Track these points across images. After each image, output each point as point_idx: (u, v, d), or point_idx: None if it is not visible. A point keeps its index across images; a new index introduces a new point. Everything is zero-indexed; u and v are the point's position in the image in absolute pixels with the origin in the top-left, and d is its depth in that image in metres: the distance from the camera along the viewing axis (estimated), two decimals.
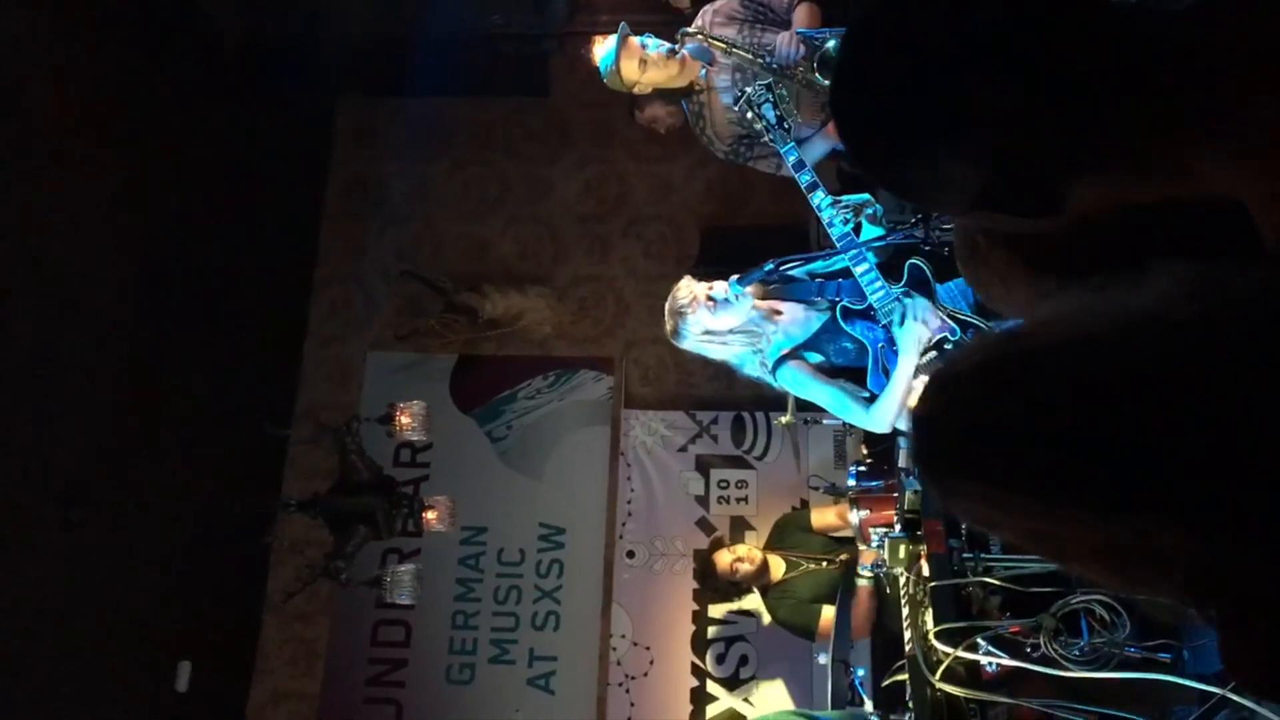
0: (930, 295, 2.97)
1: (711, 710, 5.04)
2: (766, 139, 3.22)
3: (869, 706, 3.65)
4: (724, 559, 4.45)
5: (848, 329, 3.03)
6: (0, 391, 3.65)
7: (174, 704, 4.62)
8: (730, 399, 5.51)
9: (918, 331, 2.90)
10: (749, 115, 3.20)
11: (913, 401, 2.90)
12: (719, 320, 3.05)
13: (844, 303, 3.03)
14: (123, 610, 4.24)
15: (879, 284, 2.94)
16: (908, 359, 2.92)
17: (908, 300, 2.93)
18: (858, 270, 2.96)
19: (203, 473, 4.72)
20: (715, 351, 3.17)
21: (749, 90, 3.20)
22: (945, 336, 2.93)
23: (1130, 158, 0.89)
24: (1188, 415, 0.75)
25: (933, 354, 2.93)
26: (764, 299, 3.09)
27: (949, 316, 2.94)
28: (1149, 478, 0.76)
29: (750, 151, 3.67)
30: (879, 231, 2.97)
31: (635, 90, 3.63)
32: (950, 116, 0.91)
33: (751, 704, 4.89)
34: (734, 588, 4.51)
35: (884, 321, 2.96)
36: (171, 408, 4.55)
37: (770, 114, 3.15)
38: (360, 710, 5.18)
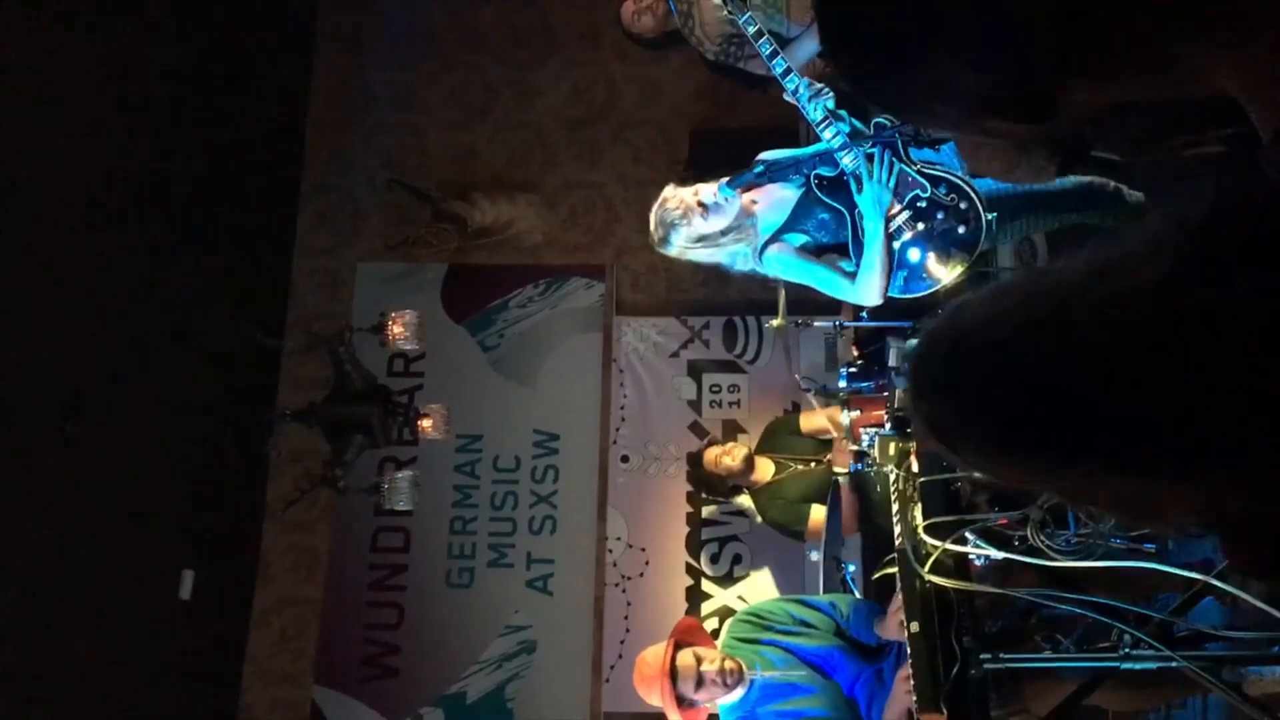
0: (898, 151, 2.93)
1: (706, 607, 5.16)
2: (726, 13, 3.11)
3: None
4: (710, 453, 4.55)
5: (823, 198, 3.00)
6: None
7: (178, 612, 4.72)
8: (721, 304, 5.52)
9: (875, 191, 2.88)
10: None
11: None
12: (711, 224, 3.03)
13: (816, 171, 3.01)
14: (123, 521, 4.30)
15: (846, 145, 2.91)
16: (874, 225, 2.90)
17: (868, 166, 2.89)
18: (825, 135, 2.92)
19: (197, 385, 4.74)
20: (704, 256, 3.14)
21: None
22: (917, 194, 2.91)
23: (1133, 55, 0.87)
24: (1198, 377, 0.75)
25: (907, 213, 2.91)
26: (745, 192, 3.06)
27: (920, 172, 2.91)
28: (1164, 445, 0.76)
29: (740, 51, 3.60)
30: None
31: None
32: (949, 17, 0.88)
33: (745, 600, 5.01)
34: (722, 483, 4.59)
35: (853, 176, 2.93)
36: (164, 321, 4.55)
37: None
38: (363, 613, 5.29)
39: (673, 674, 3.16)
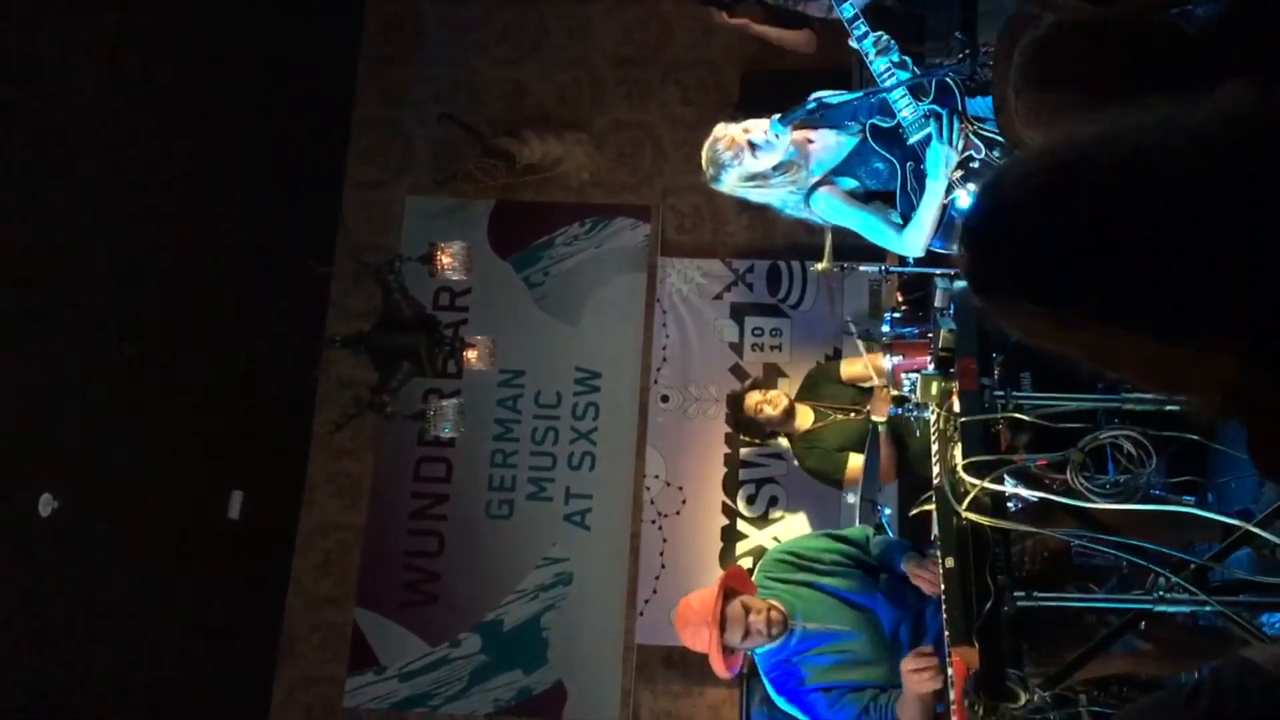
0: (957, 110, 2.92)
1: (741, 547, 5.23)
2: None
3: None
4: (752, 398, 4.56)
5: (877, 149, 3.00)
6: (58, 233, 3.72)
7: (227, 529, 4.85)
8: (766, 247, 5.52)
9: (944, 153, 2.88)
10: None
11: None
12: (761, 162, 3.02)
13: (873, 121, 3.00)
14: (176, 440, 4.41)
15: (907, 100, 2.91)
16: (936, 183, 2.90)
17: (932, 122, 2.89)
18: (887, 86, 2.91)
19: (250, 312, 4.83)
20: (756, 195, 3.15)
21: None
22: (970, 155, 2.90)
23: None
24: (1251, 243, 0.75)
25: (959, 172, 2.91)
26: (798, 129, 3.06)
27: (975, 133, 2.91)
28: (1213, 305, 0.75)
29: None
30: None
31: None
32: None
33: (780, 541, 5.06)
34: (760, 427, 4.61)
35: (911, 140, 2.93)
36: (217, 249, 4.63)
37: None
38: (404, 541, 5.41)
39: (721, 623, 3.15)
